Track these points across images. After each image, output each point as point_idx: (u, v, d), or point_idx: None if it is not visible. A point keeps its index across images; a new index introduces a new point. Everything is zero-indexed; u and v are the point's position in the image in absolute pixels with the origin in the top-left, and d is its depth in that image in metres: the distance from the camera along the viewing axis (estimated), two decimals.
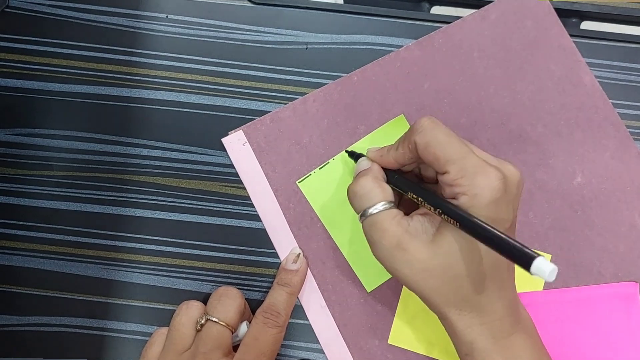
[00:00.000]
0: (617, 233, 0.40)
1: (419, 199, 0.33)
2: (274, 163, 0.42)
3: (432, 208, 0.32)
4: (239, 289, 0.41)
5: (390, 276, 0.41)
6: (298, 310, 0.41)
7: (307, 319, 0.41)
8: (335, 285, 0.41)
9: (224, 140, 0.42)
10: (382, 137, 0.42)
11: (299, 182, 0.41)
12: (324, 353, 0.41)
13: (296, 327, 0.41)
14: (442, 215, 0.32)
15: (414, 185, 0.35)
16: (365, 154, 0.38)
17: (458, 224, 0.31)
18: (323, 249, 0.41)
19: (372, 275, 0.41)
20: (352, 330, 0.40)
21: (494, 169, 0.32)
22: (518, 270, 0.39)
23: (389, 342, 0.40)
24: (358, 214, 0.35)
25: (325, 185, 0.41)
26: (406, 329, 0.40)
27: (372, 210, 0.34)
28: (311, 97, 0.42)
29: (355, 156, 0.39)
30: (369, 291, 0.41)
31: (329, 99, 0.42)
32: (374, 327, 0.40)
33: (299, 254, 0.40)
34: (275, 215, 0.41)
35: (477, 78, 0.42)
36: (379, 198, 0.34)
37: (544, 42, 0.42)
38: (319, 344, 0.41)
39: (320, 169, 0.41)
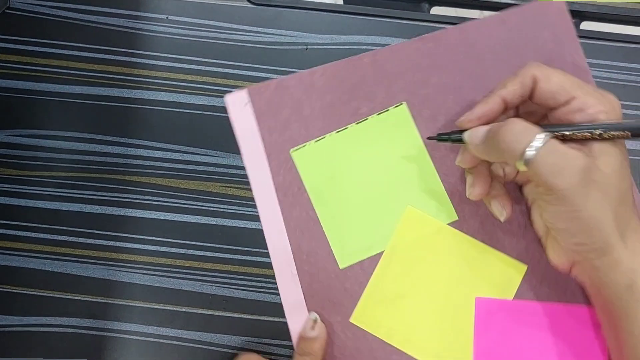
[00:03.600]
0: None
1: (567, 131, 0.33)
2: (272, 128, 0.42)
3: (587, 134, 0.32)
4: (238, 289, 0.41)
5: (366, 257, 0.41)
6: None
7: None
8: (310, 256, 0.41)
9: (227, 97, 0.42)
10: (381, 123, 0.42)
11: (292, 151, 0.42)
12: None
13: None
14: (607, 133, 0.32)
15: (551, 124, 0.35)
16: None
17: (629, 132, 0.31)
18: (304, 219, 0.41)
19: (347, 253, 0.41)
20: (318, 303, 0.41)
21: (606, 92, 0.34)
22: (488, 274, 0.40)
23: (350, 320, 0.40)
24: (517, 158, 0.32)
25: (318, 159, 0.42)
26: (370, 311, 0.40)
27: (537, 143, 0.32)
28: (319, 70, 0.42)
29: (446, 137, 0.38)
30: (341, 268, 0.41)
31: (336, 75, 0.42)
32: (339, 304, 0.40)
33: (316, 319, 0.39)
34: (264, 178, 0.41)
35: (486, 80, 0.42)
36: (539, 129, 0.33)
37: (558, 57, 0.41)
38: None
39: (316, 141, 0.42)
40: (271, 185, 0.41)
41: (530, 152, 0.32)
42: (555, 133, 0.34)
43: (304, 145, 0.42)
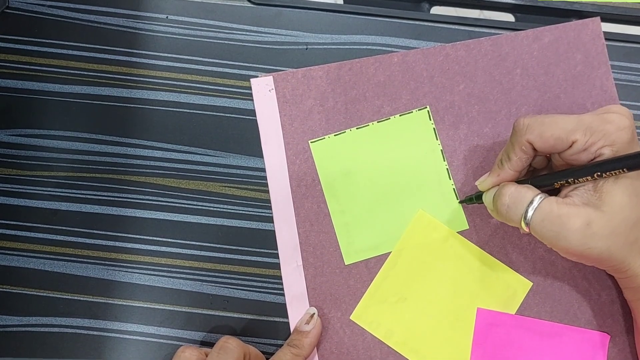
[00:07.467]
0: (604, 282, 0.40)
1: (569, 179, 0.34)
2: (294, 117, 0.42)
3: (587, 178, 0.33)
4: (239, 289, 0.41)
5: (372, 256, 0.41)
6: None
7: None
8: (317, 249, 0.41)
9: (253, 80, 0.43)
10: (402, 124, 0.42)
11: (311, 142, 0.42)
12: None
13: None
14: (604, 174, 0.32)
15: (553, 174, 0.35)
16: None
17: (625, 169, 0.31)
18: (315, 211, 0.41)
19: (354, 250, 0.41)
20: (320, 296, 0.41)
21: (609, 113, 0.33)
22: (492, 286, 0.40)
23: (350, 317, 0.41)
24: (520, 222, 0.34)
25: (336, 153, 0.42)
26: (371, 310, 0.40)
27: (534, 206, 0.33)
28: (347, 64, 0.42)
29: (472, 199, 0.39)
30: (346, 264, 0.41)
31: (364, 71, 0.42)
32: (341, 300, 0.41)
33: (314, 314, 0.40)
34: (279, 166, 0.42)
35: (512, 94, 0.42)
36: (532, 193, 0.34)
37: (588, 80, 0.41)
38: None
39: (335, 135, 0.42)
40: (286, 174, 0.42)
41: (528, 217, 0.33)
42: (556, 184, 0.34)
43: (324, 138, 0.42)
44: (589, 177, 0.33)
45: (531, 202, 0.33)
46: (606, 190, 0.33)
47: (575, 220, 0.32)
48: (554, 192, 0.35)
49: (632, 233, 0.33)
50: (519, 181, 0.36)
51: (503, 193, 0.35)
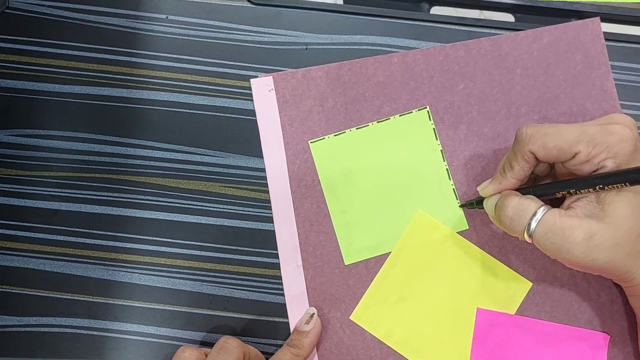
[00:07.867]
0: (603, 282, 0.40)
1: (571, 190, 0.34)
2: (293, 117, 0.42)
3: (589, 190, 0.33)
4: (239, 289, 0.41)
5: (372, 256, 0.41)
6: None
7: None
8: (316, 249, 0.41)
9: (253, 81, 0.43)
10: (402, 125, 0.42)
11: (311, 142, 0.42)
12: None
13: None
14: (606, 187, 0.32)
15: (555, 184, 0.35)
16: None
17: (627, 183, 0.31)
18: (315, 211, 0.41)
19: (354, 250, 0.41)
20: (319, 296, 0.41)
21: (613, 124, 0.33)
22: (492, 286, 0.40)
23: (350, 317, 0.41)
24: (523, 234, 0.34)
25: (336, 153, 0.42)
26: (371, 310, 0.40)
27: (537, 218, 0.33)
28: (347, 64, 0.42)
29: (473, 204, 0.39)
30: (346, 264, 0.41)
31: (364, 71, 0.42)
32: (341, 300, 0.41)
33: (314, 314, 0.40)
34: (279, 166, 0.42)
35: (512, 94, 0.42)
36: (535, 205, 0.34)
37: (587, 80, 0.41)
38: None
39: (335, 135, 0.42)
40: (285, 174, 0.42)
41: (531, 229, 0.34)
42: (558, 194, 0.34)
43: (323, 138, 0.42)
44: (591, 189, 0.33)
45: (534, 214, 0.33)
46: (609, 202, 0.33)
47: (578, 232, 0.32)
48: (556, 201, 0.35)
49: (636, 243, 0.33)
50: (521, 189, 0.36)
51: (506, 205, 0.35)
